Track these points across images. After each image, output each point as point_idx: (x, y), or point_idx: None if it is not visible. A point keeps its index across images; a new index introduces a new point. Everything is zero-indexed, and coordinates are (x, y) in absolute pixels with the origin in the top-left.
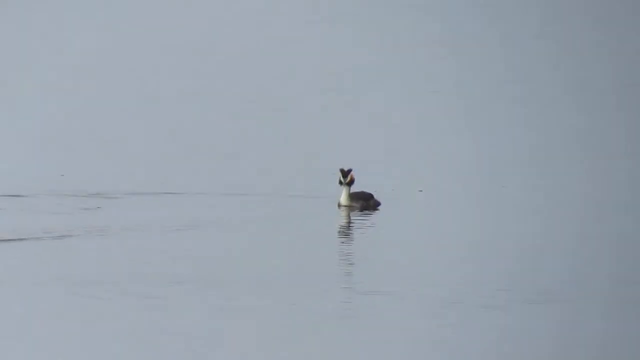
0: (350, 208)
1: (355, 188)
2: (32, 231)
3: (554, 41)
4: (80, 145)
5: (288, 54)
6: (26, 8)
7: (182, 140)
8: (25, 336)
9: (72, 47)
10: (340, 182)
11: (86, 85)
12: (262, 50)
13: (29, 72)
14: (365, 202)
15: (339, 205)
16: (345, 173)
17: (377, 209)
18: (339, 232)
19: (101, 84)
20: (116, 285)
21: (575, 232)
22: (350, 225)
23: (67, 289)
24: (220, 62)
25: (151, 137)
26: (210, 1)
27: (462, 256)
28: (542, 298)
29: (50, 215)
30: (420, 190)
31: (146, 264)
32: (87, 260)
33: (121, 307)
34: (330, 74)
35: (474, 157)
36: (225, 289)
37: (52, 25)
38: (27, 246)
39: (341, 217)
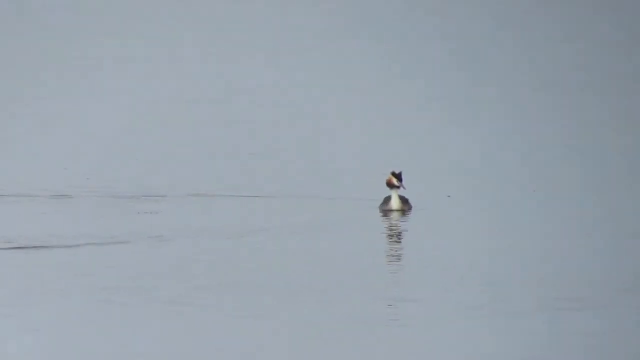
0: (400, 212)
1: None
2: (72, 237)
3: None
4: (124, 148)
5: (312, 57)
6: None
7: (222, 142)
8: (52, 342)
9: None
10: (391, 185)
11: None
12: (287, 53)
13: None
14: (409, 206)
15: (390, 210)
16: (398, 176)
17: (409, 213)
18: (389, 236)
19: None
20: (155, 292)
21: (607, 237)
22: (400, 229)
23: (96, 295)
24: (253, 70)
25: (194, 140)
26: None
27: (497, 261)
28: (581, 305)
29: (83, 220)
30: (449, 196)
31: (184, 270)
32: (122, 266)
33: (160, 315)
34: (354, 77)
35: (502, 160)
36: (265, 296)
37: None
38: (73, 252)
39: (393, 222)
